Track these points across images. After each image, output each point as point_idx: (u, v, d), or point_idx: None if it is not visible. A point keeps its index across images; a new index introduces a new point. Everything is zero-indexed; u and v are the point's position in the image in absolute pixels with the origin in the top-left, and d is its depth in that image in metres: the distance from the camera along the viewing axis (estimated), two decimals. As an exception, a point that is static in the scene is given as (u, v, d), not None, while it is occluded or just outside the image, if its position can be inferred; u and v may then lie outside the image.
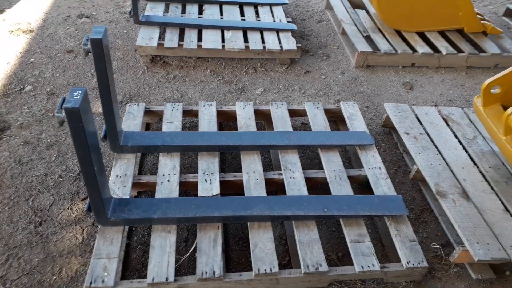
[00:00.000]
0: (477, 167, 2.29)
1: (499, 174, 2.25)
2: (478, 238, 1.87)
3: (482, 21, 3.65)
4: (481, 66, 3.49)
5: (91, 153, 1.51)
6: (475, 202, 2.06)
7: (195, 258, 1.73)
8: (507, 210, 2.05)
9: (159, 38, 3.18)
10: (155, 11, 3.53)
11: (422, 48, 3.39)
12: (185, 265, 1.84)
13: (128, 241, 1.92)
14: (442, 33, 3.64)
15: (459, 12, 3.54)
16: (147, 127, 2.59)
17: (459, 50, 3.44)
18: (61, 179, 2.16)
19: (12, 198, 2.03)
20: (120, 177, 2.03)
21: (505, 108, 2.16)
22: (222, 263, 1.71)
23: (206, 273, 1.67)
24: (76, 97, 1.40)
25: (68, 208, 2.02)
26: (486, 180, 2.21)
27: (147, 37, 3.15)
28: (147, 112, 2.50)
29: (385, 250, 2.00)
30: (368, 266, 1.76)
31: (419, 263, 1.79)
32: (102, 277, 1.63)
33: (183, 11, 3.65)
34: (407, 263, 1.79)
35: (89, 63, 3.06)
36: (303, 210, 1.91)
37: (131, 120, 2.38)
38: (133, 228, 1.99)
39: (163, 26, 3.34)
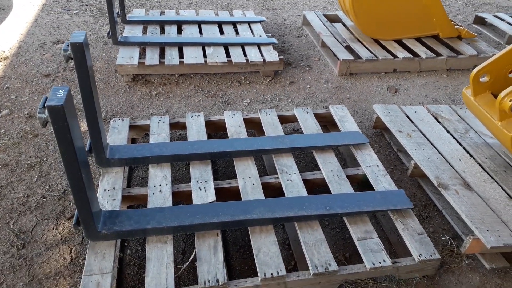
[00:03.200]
0: (474, 158, 2.26)
1: (497, 164, 2.23)
2: (487, 225, 1.81)
3: (456, 27, 3.75)
4: (460, 68, 3.55)
5: (78, 155, 1.40)
6: (478, 191, 2.01)
7: (194, 268, 1.61)
8: (510, 197, 2.01)
9: (140, 57, 3.12)
10: (133, 32, 3.49)
11: (402, 53, 3.43)
12: (184, 277, 1.71)
13: (122, 255, 1.77)
14: (419, 40, 3.72)
15: (433, 19, 3.63)
16: (133, 142, 2.48)
17: (438, 54, 3.51)
18: (44, 200, 2.01)
19: (-10, 222, 1.87)
20: (109, 191, 1.90)
21: (495, 96, 2.17)
22: (225, 270, 1.58)
23: (209, 281, 1.54)
24: (59, 95, 1.31)
25: (53, 228, 1.86)
26: (485, 170, 2.18)
27: (128, 56, 3.09)
28: (132, 127, 2.40)
29: (393, 248, 1.91)
30: (379, 262, 1.67)
31: (431, 255, 1.71)
32: (95, 294, 1.48)
33: (162, 32, 3.63)
34: (419, 256, 1.70)
35: (68, 84, 2.96)
36: (305, 210, 1.81)
37: (116, 135, 2.27)
38: (125, 244, 1.85)
39: (143, 46, 3.30)
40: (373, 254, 1.70)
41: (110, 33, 3.18)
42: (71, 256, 1.75)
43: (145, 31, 3.65)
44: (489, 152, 2.32)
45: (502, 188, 2.06)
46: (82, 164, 1.45)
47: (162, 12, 4.03)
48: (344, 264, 1.81)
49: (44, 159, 2.26)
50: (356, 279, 1.71)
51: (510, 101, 1.88)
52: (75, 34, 1.70)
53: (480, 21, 4.53)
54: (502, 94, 1.92)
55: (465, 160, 2.23)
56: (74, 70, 3.17)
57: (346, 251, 1.89)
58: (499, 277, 1.80)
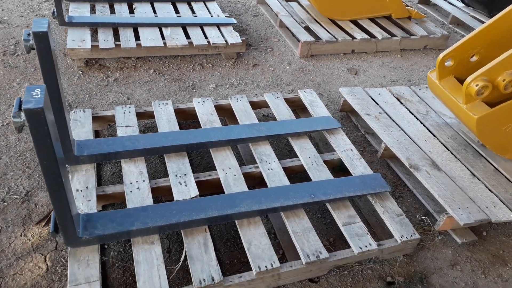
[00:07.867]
0: (437, 138, 2.38)
1: (457, 143, 2.37)
2: (458, 203, 1.93)
3: (406, 7, 3.87)
4: (412, 48, 3.69)
5: (57, 158, 1.27)
6: (445, 170, 2.13)
7: (184, 267, 1.56)
8: (473, 175, 2.15)
9: (91, 39, 2.89)
10: (80, 11, 3.21)
11: (359, 34, 3.49)
12: (174, 277, 1.65)
13: (103, 258, 1.67)
14: (373, 20, 3.80)
15: (386, 0, 3.72)
16: (96, 134, 2.32)
17: (392, 35, 3.61)
18: (5, 204, 1.83)
19: None
20: (82, 191, 1.77)
21: (458, 79, 2.28)
22: (218, 267, 1.55)
23: (204, 280, 1.50)
24: (36, 96, 1.17)
25: (21, 235, 1.71)
26: (448, 149, 2.31)
27: (78, 39, 2.85)
28: (95, 118, 2.24)
29: (372, 229, 1.98)
30: (366, 246, 1.72)
31: (411, 236, 1.80)
32: (85, 306, 1.39)
33: (112, 11, 3.38)
34: (401, 237, 1.78)
35: (11, 72, 2.68)
36: (291, 199, 1.82)
37: (80, 128, 2.11)
38: (105, 246, 1.74)
39: (94, 27, 3.05)
40: (359, 238, 1.75)
41: (56, 12, 2.90)
42: (47, 265, 1.62)
43: (93, 9, 3.38)
44: (449, 131, 2.45)
45: (465, 166, 2.20)
46: (61, 166, 1.33)
47: (108, -11, 3.74)
48: (329, 249, 1.84)
49: (-2, 158, 2.05)
50: (344, 264, 1.76)
51: (476, 85, 1.99)
52: (36, 21, 1.52)
53: (425, 1, 4.72)
54: (468, 79, 2.02)
55: (430, 141, 2.35)
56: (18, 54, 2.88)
57: (329, 236, 1.93)
58: (468, 250, 1.94)
